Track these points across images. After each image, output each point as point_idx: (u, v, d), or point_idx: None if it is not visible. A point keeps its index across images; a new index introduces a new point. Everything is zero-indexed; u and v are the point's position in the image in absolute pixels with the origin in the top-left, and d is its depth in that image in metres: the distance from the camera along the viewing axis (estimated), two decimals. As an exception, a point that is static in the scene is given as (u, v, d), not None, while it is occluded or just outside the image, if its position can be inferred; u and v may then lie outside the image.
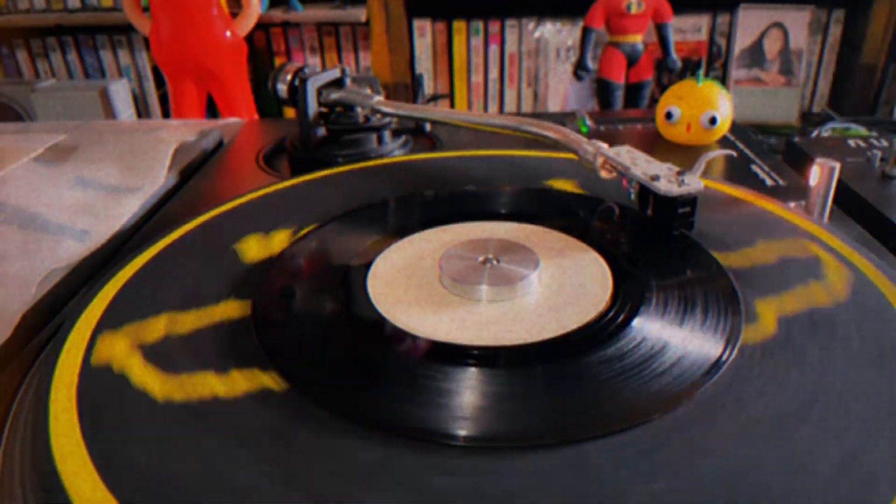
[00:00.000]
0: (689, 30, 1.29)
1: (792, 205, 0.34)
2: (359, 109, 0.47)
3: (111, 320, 0.25)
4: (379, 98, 0.46)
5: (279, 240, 0.31)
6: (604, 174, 0.34)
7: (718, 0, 1.26)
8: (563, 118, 0.57)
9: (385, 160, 0.43)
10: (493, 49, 1.34)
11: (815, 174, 0.35)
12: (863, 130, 0.61)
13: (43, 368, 0.23)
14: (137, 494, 0.18)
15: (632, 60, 1.12)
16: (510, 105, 1.38)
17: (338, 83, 0.48)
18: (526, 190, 0.37)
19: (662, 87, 1.24)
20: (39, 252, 0.34)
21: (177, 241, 0.32)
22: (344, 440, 0.19)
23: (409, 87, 1.36)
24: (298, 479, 0.18)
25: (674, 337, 0.24)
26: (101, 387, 0.22)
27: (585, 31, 1.12)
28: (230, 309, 0.26)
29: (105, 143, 0.48)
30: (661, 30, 1.11)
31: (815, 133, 0.62)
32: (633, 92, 1.15)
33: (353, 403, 0.21)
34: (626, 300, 0.26)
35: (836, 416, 0.20)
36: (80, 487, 0.18)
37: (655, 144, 0.51)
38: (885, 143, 0.48)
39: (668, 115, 0.49)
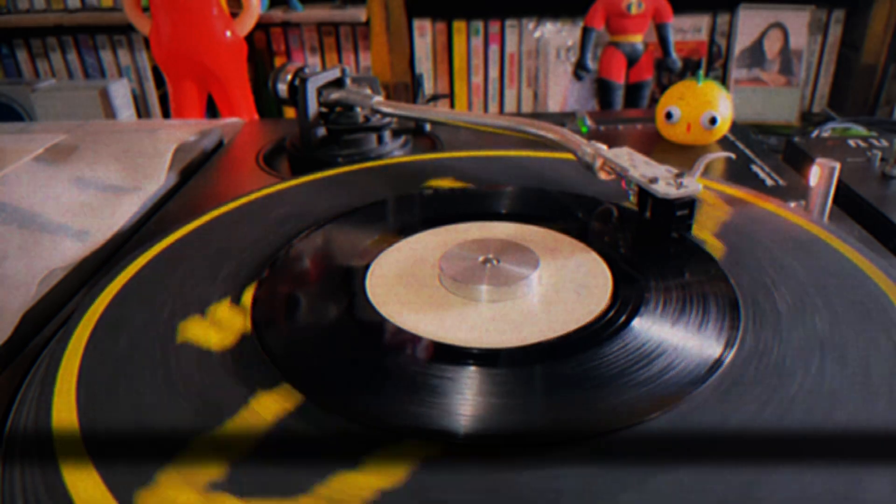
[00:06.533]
0: (689, 30, 1.29)
1: (792, 205, 0.34)
2: (359, 109, 0.47)
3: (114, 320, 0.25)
4: (379, 98, 0.46)
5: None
6: (602, 176, 0.34)
7: (718, 0, 1.26)
8: (563, 118, 0.57)
9: (385, 161, 0.43)
10: (493, 49, 1.33)
11: (815, 174, 0.35)
12: (863, 130, 0.61)
13: (46, 371, 0.23)
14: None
15: (632, 60, 1.12)
16: (510, 105, 1.38)
17: (338, 83, 0.48)
18: (526, 190, 0.37)
19: (662, 87, 1.24)
20: (39, 252, 0.34)
21: (176, 242, 0.32)
22: (343, 439, 0.19)
23: (409, 87, 1.36)
24: (299, 479, 0.18)
25: (673, 337, 0.24)
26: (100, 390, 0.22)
27: (585, 31, 1.12)
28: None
29: (105, 143, 0.48)
30: (661, 30, 1.11)
31: (815, 133, 0.62)
32: (633, 92, 1.15)
33: (353, 404, 0.21)
34: (626, 300, 0.26)
35: (836, 412, 0.20)
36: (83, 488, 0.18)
37: (655, 145, 0.51)
38: (885, 143, 0.48)
39: (668, 115, 0.49)
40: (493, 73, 1.36)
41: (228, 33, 1.09)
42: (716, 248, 0.30)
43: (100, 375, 0.22)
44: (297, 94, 0.46)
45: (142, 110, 1.43)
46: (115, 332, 0.25)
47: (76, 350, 0.24)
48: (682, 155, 0.48)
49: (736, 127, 0.53)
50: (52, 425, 0.20)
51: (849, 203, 0.40)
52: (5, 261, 0.33)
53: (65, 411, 0.21)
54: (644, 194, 0.31)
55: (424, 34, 1.33)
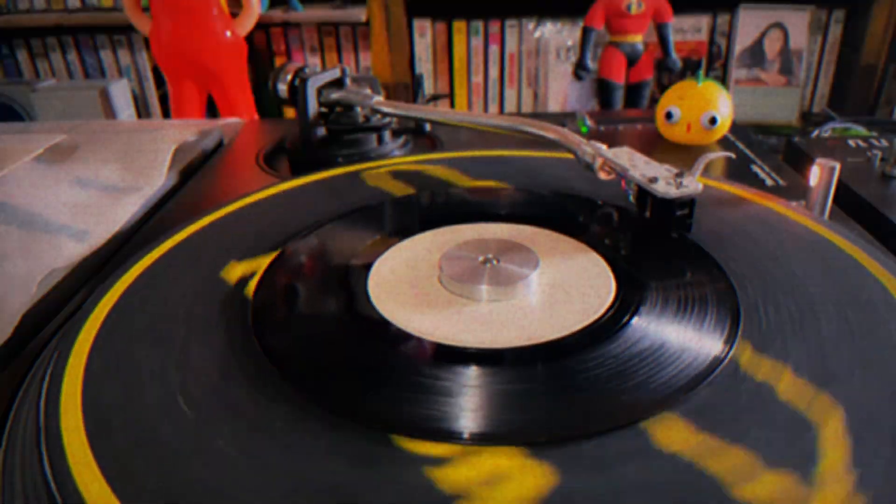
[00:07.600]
0: (689, 30, 1.29)
1: (792, 205, 0.34)
2: (359, 109, 0.47)
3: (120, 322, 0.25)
4: (379, 98, 0.46)
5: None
6: (602, 175, 0.34)
7: (718, 0, 1.27)
8: (563, 118, 0.57)
9: (386, 161, 0.43)
10: (493, 49, 1.34)
11: (815, 174, 0.35)
12: (863, 130, 0.61)
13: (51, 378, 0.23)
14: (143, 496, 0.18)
15: (632, 60, 1.12)
16: (510, 105, 1.38)
17: (338, 83, 0.48)
18: (526, 190, 0.37)
19: (662, 87, 1.24)
20: (39, 252, 0.34)
21: (175, 246, 0.32)
22: (344, 440, 0.19)
23: (409, 87, 1.36)
24: (300, 480, 0.18)
25: (673, 336, 0.24)
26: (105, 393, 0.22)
27: (585, 31, 1.12)
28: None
29: (105, 143, 0.48)
30: (661, 30, 1.11)
31: (815, 133, 0.62)
32: (633, 92, 1.16)
33: (354, 403, 0.21)
34: (626, 300, 0.26)
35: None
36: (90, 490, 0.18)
37: (655, 144, 0.51)
38: (885, 143, 0.48)
39: (668, 115, 0.49)
40: (493, 73, 1.36)
41: (228, 33, 1.09)
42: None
43: (103, 384, 0.22)
44: (297, 94, 0.46)
45: (142, 110, 1.43)
46: (118, 335, 0.25)
47: (79, 358, 0.24)
48: (682, 155, 0.48)
49: (736, 127, 0.53)
50: (60, 424, 0.20)
51: (849, 203, 0.40)
52: (5, 261, 0.33)
53: (71, 411, 0.21)
54: (644, 194, 0.31)
55: (424, 34, 1.33)
